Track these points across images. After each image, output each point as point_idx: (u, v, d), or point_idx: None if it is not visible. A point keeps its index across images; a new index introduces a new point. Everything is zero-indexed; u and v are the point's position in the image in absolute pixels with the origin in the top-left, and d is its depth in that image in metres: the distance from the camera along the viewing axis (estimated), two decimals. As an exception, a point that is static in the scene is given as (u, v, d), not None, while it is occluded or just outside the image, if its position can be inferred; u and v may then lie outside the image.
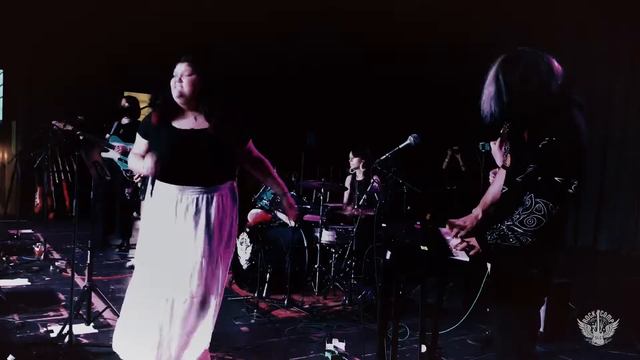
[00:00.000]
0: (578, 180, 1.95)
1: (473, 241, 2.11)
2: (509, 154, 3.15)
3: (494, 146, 3.33)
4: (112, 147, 6.06)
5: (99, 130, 6.31)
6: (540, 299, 2.25)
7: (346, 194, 5.71)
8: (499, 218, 2.09)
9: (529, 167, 2.04)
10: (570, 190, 1.95)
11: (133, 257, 6.12)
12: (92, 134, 5.83)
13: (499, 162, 3.12)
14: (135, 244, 6.70)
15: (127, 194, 6.24)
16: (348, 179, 5.75)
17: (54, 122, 5.69)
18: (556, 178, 1.93)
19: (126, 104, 6.27)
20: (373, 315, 4.15)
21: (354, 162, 5.53)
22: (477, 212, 2.34)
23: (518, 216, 1.97)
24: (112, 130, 6.26)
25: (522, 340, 2.16)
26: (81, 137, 5.46)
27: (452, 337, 3.82)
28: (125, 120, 6.28)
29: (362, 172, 5.54)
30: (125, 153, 6.13)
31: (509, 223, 1.99)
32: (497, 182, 2.37)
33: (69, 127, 5.46)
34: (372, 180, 4.83)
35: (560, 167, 1.94)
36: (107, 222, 6.48)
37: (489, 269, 2.20)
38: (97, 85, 8.33)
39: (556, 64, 2.03)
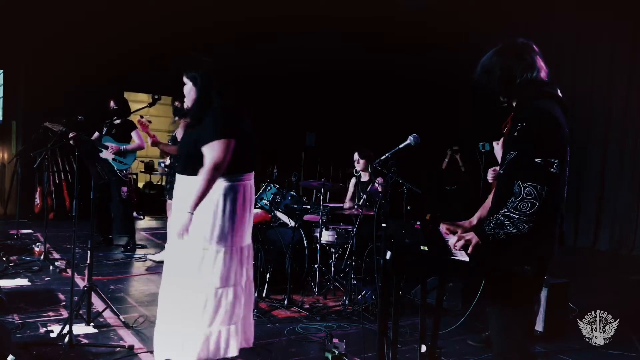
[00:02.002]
0: (558, 159, 2.02)
1: (470, 235, 2.13)
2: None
3: (497, 146, 3.36)
4: (106, 148, 6.08)
5: (99, 130, 6.33)
6: (534, 296, 2.26)
7: (348, 194, 5.71)
8: (494, 211, 2.14)
9: (509, 155, 2.15)
10: (553, 170, 2.01)
11: (149, 254, 6.13)
12: (86, 134, 5.86)
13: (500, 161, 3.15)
14: (140, 244, 6.73)
15: (122, 194, 6.25)
16: (352, 180, 5.75)
17: (46, 124, 5.72)
18: (536, 160, 2.02)
19: (114, 105, 6.31)
20: (373, 315, 4.15)
21: (360, 164, 5.52)
22: (472, 219, 2.43)
23: (512, 203, 2.04)
24: (104, 130, 6.28)
25: (519, 337, 2.18)
26: (70, 135, 5.50)
27: (452, 337, 3.82)
28: (116, 121, 6.31)
29: (367, 174, 5.55)
30: (118, 153, 6.14)
31: (504, 211, 2.06)
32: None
33: (61, 128, 5.48)
34: (375, 182, 4.83)
35: (536, 148, 2.03)
36: (103, 222, 6.50)
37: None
38: (97, 85, 8.33)
39: (540, 61, 2.21)
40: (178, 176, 3.05)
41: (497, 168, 3.65)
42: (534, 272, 2.11)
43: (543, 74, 2.20)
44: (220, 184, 2.88)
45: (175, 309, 2.90)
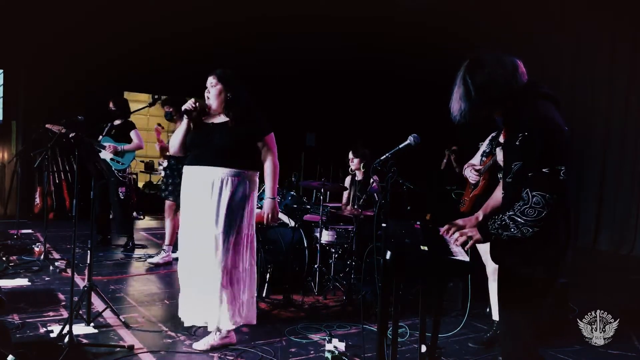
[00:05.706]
0: (565, 165, 1.99)
1: (472, 231, 2.12)
2: (488, 157, 3.24)
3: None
4: (104, 147, 6.09)
5: (99, 130, 6.34)
6: (545, 299, 2.25)
7: (345, 193, 5.71)
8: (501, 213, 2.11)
9: (514, 165, 2.10)
10: (561, 177, 1.98)
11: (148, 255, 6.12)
12: (85, 134, 5.88)
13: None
14: (140, 244, 6.73)
15: (121, 194, 6.26)
16: (348, 179, 5.76)
17: (47, 125, 5.73)
18: (543, 169, 1.98)
19: (113, 107, 6.32)
20: (373, 315, 4.15)
21: (354, 162, 5.53)
22: (478, 214, 2.40)
23: (519, 207, 2.02)
24: (105, 131, 6.30)
25: (526, 339, 2.17)
26: (70, 135, 5.51)
27: (452, 338, 3.83)
28: (117, 122, 6.33)
29: (361, 173, 5.55)
30: (117, 153, 6.15)
31: (510, 213, 2.04)
32: (499, 189, 2.39)
33: (62, 130, 5.49)
34: (371, 181, 4.83)
35: (541, 158, 1.99)
36: (101, 222, 6.51)
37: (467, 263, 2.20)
38: (97, 85, 8.33)
39: (521, 65, 2.15)
40: (221, 169, 3.35)
41: (473, 163, 3.82)
42: (542, 275, 2.09)
43: (524, 77, 2.13)
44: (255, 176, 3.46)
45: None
